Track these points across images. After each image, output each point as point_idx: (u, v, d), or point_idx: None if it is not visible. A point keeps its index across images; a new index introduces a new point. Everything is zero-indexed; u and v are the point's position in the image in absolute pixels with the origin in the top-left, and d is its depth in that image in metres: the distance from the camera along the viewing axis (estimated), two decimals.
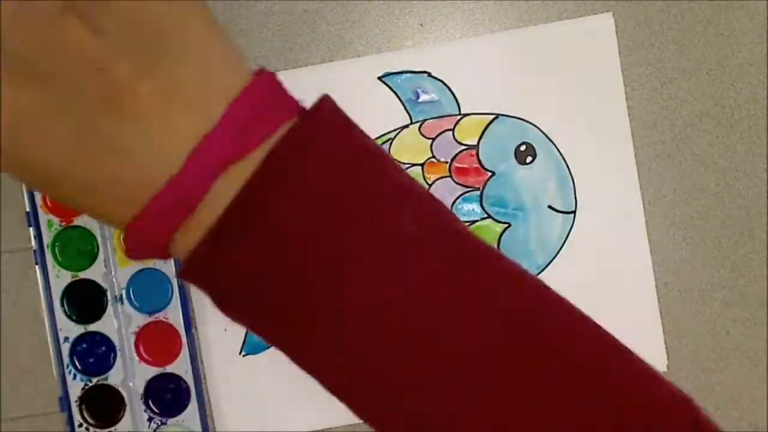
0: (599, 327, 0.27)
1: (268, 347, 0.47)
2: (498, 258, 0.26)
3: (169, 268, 0.46)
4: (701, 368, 0.48)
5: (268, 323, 0.26)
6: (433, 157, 0.47)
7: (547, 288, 0.27)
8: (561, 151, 0.47)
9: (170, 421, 0.46)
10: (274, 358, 0.47)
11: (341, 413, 0.47)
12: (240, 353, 0.47)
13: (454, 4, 0.47)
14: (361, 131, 0.26)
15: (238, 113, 0.23)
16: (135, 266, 0.46)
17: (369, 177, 0.25)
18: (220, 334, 0.47)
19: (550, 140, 0.47)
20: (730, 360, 0.48)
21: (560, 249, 0.47)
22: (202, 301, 0.47)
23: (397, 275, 0.24)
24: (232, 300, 0.25)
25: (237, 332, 0.47)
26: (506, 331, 0.25)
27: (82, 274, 0.46)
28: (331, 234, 0.24)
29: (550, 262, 0.47)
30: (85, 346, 0.46)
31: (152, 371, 0.46)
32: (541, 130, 0.47)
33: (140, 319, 0.46)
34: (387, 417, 0.26)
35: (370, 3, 0.47)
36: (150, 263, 0.46)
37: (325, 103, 0.26)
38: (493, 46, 0.47)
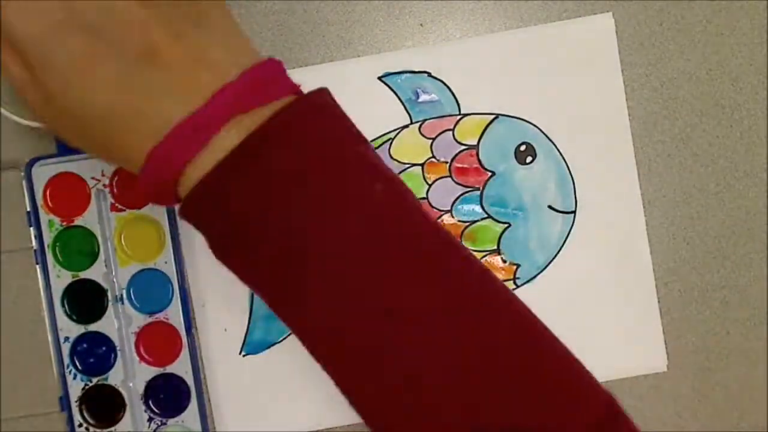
0: (536, 319, 0.31)
1: (268, 347, 0.47)
2: (447, 235, 0.31)
3: (169, 268, 0.46)
4: (701, 368, 0.48)
5: (256, 266, 0.30)
6: (433, 157, 0.47)
7: (492, 276, 0.31)
8: (561, 151, 0.47)
9: (170, 421, 0.46)
10: (274, 358, 0.47)
11: (341, 413, 0.47)
12: (240, 353, 0.47)
13: (454, 4, 0.47)
14: (350, 120, 0.32)
15: (250, 77, 0.29)
16: (135, 266, 0.46)
17: (352, 149, 0.30)
18: (220, 334, 0.47)
19: (550, 140, 0.47)
20: (730, 360, 0.48)
21: (560, 249, 0.47)
22: (202, 302, 0.47)
23: (363, 228, 0.29)
24: (224, 240, 0.30)
25: (237, 332, 0.47)
26: (450, 296, 0.30)
27: (83, 274, 0.46)
28: (315, 185, 0.29)
29: (550, 262, 0.47)
30: (85, 346, 0.46)
31: (152, 371, 0.46)
32: (541, 130, 0.47)
33: (140, 320, 0.46)
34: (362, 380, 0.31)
35: (370, 3, 0.47)
36: (150, 263, 0.46)
37: (324, 90, 0.31)
38: (493, 46, 0.47)
